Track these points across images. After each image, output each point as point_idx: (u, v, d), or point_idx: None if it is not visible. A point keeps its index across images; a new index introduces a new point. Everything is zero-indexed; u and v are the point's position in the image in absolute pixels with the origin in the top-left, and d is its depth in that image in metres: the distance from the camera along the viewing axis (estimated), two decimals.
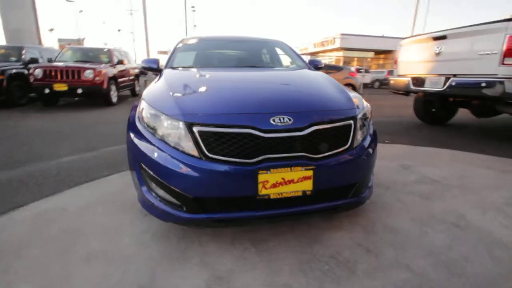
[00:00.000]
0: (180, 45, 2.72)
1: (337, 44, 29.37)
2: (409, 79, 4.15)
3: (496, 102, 3.33)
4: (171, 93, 1.54)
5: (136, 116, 1.55)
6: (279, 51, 2.99)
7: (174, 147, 1.28)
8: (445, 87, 3.54)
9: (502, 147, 3.37)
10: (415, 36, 4.21)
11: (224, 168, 1.21)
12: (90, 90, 6.23)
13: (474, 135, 4.11)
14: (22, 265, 1.31)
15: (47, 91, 5.92)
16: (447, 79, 3.52)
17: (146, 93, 1.66)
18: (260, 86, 1.77)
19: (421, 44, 4.00)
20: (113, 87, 7.08)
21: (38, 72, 5.87)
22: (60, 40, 34.33)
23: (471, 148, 3.32)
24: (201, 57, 2.68)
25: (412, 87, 4.15)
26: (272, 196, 1.26)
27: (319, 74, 2.12)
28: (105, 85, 6.48)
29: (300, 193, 1.29)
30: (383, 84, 17.04)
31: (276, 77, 2.04)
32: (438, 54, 3.67)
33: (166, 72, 2.10)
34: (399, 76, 4.50)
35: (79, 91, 6.08)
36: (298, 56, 2.81)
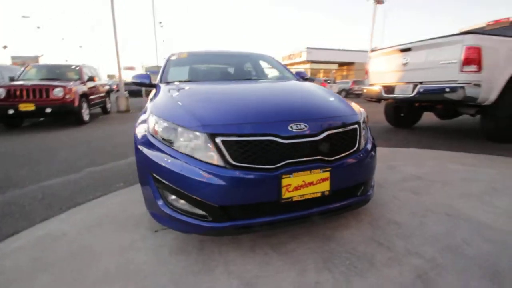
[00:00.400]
0: (171, 59, 2.75)
1: (304, 57, 30.88)
2: (381, 87, 4.53)
3: (458, 105, 3.77)
4: (182, 106, 1.56)
5: (147, 131, 1.54)
6: (265, 64, 3.14)
7: (196, 158, 1.30)
8: (413, 93, 3.93)
9: (465, 144, 3.79)
10: (383, 49, 4.63)
11: (249, 175, 1.26)
12: (60, 109, 5.88)
13: (440, 135, 4.56)
14: None
15: (11, 111, 5.48)
16: (415, 86, 3.91)
17: (153, 108, 1.66)
18: (267, 97, 1.85)
19: (389, 56, 4.42)
20: (85, 105, 6.76)
21: (1, 92, 5.43)
22: (13, 58, 31.94)
23: (440, 146, 3.69)
24: (195, 71, 2.72)
25: (384, 95, 4.52)
26: (294, 199, 1.32)
27: (312, 84, 2.27)
28: (76, 103, 6.17)
29: (319, 194, 1.37)
30: (348, 93, 18.13)
31: (276, 88, 2.15)
32: (405, 64, 4.08)
33: (165, 87, 2.11)
34: (371, 85, 4.88)
35: (48, 110, 5.72)
36: (286, 68, 2.97)
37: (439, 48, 3.59)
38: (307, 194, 1.34)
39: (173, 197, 1.39)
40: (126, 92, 9.85)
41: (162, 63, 2.89)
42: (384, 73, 4.53)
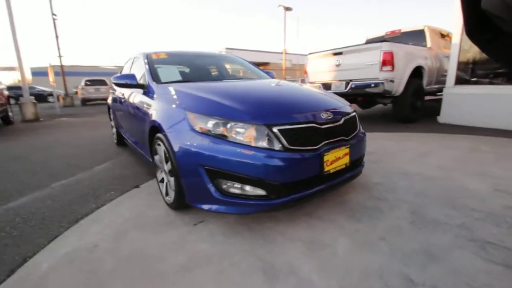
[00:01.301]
0: (153, 59, 2.68)
1: None
2: (320, 84, 5.36)
3: (379, 97, 4.86)
4: (218, 103, 1.71)
5: (190, 129, 1.62)
6: (235, 64, 3.39)
7: (257, 146, 1.51)
8: (347, 89, 4.86)
9: (386, 126, 4.95)
10: (319, 52, 5.46)
11: (301, 155, 1.55)
12: None
13: (366, 121, 5.73)
14: None
15: None
16: (348, 83, 4.84)
17: (189, 106, 1.72)
18: (285, 93, 2.13)
19: (324, 58, 5.27)
20: None
21: None
22: None
23: (370, 129, 4.71)
24: (186, 71, 2.74)
25: None
26: (331, 171, 1.69)
27: (295, 83, 2.68)
28: None
29: (343, 166, 1.78)
30: None
31: (281, 85, 2.42)
32: (338, 65, 4.98)
33: (170, 87, 2.13)
34: (310, 83, 5.69)
35: None
36: (258, 68, 3.29)
37: (364, 53, 4.58)
38: (338, 166, 1.73)
39: (230, 184, 1.55)
40: (32, 97, 8.15)
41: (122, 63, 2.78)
42: (321, 73, 5.37)
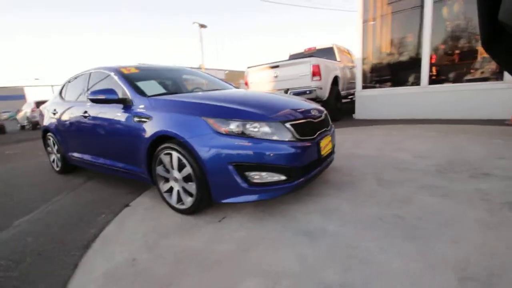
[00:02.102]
0: (128, 74, 2.65)
1: None
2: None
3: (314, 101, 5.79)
4: (230, 108, 1.96)
5: (215, 132, 1.82)
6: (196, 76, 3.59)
7: (276, 140, 1.83)
8: None
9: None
10: (257, 66, 6.08)
11: (308, 143, 1.96)
12: None
13: None
14: None
15: None
16: (286, 91, 5.60)
17: (204, 113, 1.90)
18: (274, 97, 2.45)
19: (263, 71, 5.92)
20: None
21: None
22: None
23: None
24: (165, 84, 2.78)
25: None
26: (324, 156, 2.16)
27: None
28: None
29: (329, 151, 2.28)
30: None
31: (264, 93, 2.77)
32: (276, 76, 5.70)
33: (165, 99, 2.25)
34: None
35: None
36: (220, 79, 3.59)
37: (297, 66, 5.43)
38: (326, 151, 2.22)
39: (256, 174, 1.82)
40: None
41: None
42: (261, 83, 5.99)
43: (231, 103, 2.07)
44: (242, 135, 1.82)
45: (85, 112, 2.83)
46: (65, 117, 3.24)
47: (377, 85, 6.06)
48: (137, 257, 1.62)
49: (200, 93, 2.59)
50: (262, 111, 1.95)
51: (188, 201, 2.03)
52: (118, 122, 2.43)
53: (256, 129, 1.84)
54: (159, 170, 2.16)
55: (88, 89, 3.03)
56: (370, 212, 1.87)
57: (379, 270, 1.31)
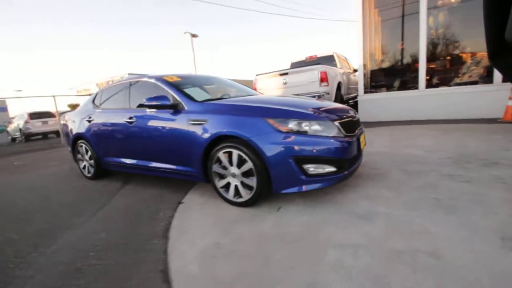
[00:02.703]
0: (174, 82, 2.88)
1: None
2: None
3: None
4: (286, 110, 2.23)
5: (276, 130, 2.08)
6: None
7: (328, 136, 2.12)
8: None
9: None
10: (266, 73, 6.40)
11: (352, 138, 2.25)
12: None
13: None
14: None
15: None
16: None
17: (264, 114, 2.16)
18: (309, 100, 2.76)
19: (272, 78, 6.24)
20: None
21: None
22: None
23: None
24: (206, 91, 3.01)
25: None
26: (361, 150, 2.46)
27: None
28: None
29: (363, 147, 2.59)
30: None
31: (299, 97, 3.08)
32: (285, 83, 6.03)
33: (215, 104, 2.53)
34: None
35: None
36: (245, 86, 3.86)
37: (305, 73, 5.79)
38: (363, 147, 2.52)
39: (312, 166, 2.08)
40: None
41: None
42: (271, 89, 6.31)
43: (284, 105, 2.34)
44: (299, 132, 2.09)
45: (131, 118, 3.02)
46: (103, 124, 3.41)
47: (379, 89, 6.52)
48: (219, 241, 1.84)
49: (248, 97, 2.86)
50: (313, 111, 2.24)
51: (247, 194, 2.27)
52: (171, 126, 2.65)
53: (309, 127, 2.12)
54: (216, 168, 2.39)
55: (130, 97, 3.22)
56: (409, 196, 2.17)
57: (437, 237, 1.60)
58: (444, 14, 5.67)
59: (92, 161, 3.70)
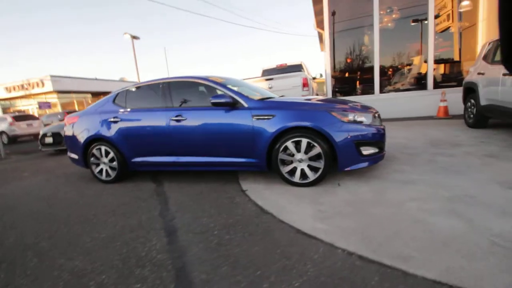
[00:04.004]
0: (221, 82, 3.14)
1: (49, 87, 25.25)
2: None
3: None
4: (340, 104, 2.80)
5: (340, 121, 2.61)
6: None
7: (376, 125, 2.76)
8: None
9: None
10: (252, 78, 6.82)
11: (383, 127, 2.96)
12: None
13: None
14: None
15: None
16: None
17: (327, 108, 2.67)
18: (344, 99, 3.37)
19: (259, 82, 6.72)
20: None
21: None
22: None
23: None
24: (250, 90, 3.34)
25: None
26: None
27: None
28: None
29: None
30: None
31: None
32: (270, 87, 6.60)
33: (287, 99, 3.01)
34: None
35: None
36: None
37: (289, 78, 6.48)
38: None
39: (366, 148, 2.70)
40: None
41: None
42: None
43: (333, 102, 2.92)
44: (356, 122, 2.68)
45: (178, 116, 3.12)
46: (137, 123, 3.36)
47: (340, 94, 7.70)
48: (319, 208, 2.26)
49: (298, 97, 3.33)
50: (361, 106, 2.87)
51: (312, 175, 2.73)
52: (232, 122, 2.91)
53: (362, 118, 2.73)
54: (282, 155, 2.78)
55: (171, 96, 3.29)
56: (424, 168, 2.99)
57: (462, 187, 2.39)
58: (389, 33, 7.18)
59: (114, 163, 3.54)
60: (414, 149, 3.84)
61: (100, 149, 3.58)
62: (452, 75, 7.17)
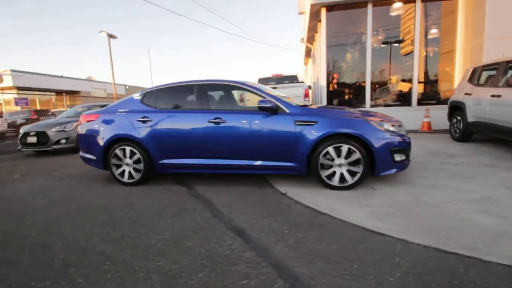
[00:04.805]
0: (261, 87, 3.25)
1: (8, 83, 22.92)
2: None
3: None
4: (375, 114, 3.06)
5: (377, 130, 2.86)
6: None
7: (404, 134, 3.05)
8: None
9: None
10: None
11: None
12: None
13: None
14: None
15: None
16: None
17: (366, 116, 2.90)
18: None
19: None
20: None
21: None
22: None
23: None
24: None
25: None
26: None
27: None
28: None
29: None
30: None
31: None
32: None
33: (326, 107, 3.13)
34: None
35: None
36: None
37: (292, 88, 6.74)
38: None
39: (397, 155, 2.97)
40: None
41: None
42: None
43: (366, 112, 3.17)
44: (390, 131, 2.95)
45: (216, 119, 3.15)
46: (171, 124, 3.31)
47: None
48: (372, 210, 2.44)
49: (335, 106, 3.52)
50: (390, 117, 3.15)
51: (350, 179, 2.93)
52: (273, 127, 3.03)
53: (395, 128, 3.01)
54: (322, 160, 2.95)
55: (208, 99, 3.31)
56: (439, 175, 3.35)
57: (479, 191, 2.74)
58: (378, 54, 7.85)
59: (140, 165, 3.42)
60: (421, 158, 4.25)
61: (124, 149, 3.44)
62: (431, 94, 8.00)
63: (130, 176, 3.50)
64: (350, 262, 1.69)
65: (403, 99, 7.73)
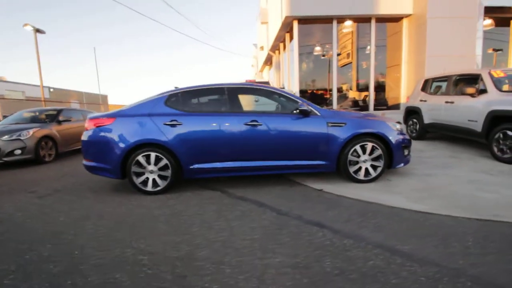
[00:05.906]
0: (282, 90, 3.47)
1: None
2: None
3: None
4: (387, 118, 3.59)
5: (392, 129, 3.38)
6: None
7: (405, 133, 3.67)
8: None
9: None
10: None
11: None
12: None
13: None
14: None
15: None
16: None
17: (384, 119, 3.39)
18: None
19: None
20: None
21: None
22: None
23: None
24: None
25: None
26: None
27: None
28: None
29: None
30: None
31: None
32: (257, 101, 6.99)
33: (347, 111, 3.47)
34: None
35: None
36: None
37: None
38: None
39: (406, 150, 3.55)
40: None
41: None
42: (244, 106, 7.03)
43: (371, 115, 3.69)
44: (399, 130, 3.52)
45: (253, 121, 3.23)
46: (202, 127, 3.24)
47: None
48: (408, 195, 2.89)
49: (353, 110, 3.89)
50: (397, 121, 3.74)
51: (373, 173, 3.38)
52: (308, 128, 3.28)
53: (401, 128, 3.60)
54: (351, 157, 3.32)
55: (240, 102, 3.35)
56: (425, 166, 4.11)
57: (470, 176, 3.52)
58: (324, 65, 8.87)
59: (167, 171, 3.22)
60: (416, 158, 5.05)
61: (148, 155, 3.19)
62: (381, 100, 9.38)
63: (155, 184, 3.26)
64: (431, 237, 2.05)
65: (363, 104, 8.87)
